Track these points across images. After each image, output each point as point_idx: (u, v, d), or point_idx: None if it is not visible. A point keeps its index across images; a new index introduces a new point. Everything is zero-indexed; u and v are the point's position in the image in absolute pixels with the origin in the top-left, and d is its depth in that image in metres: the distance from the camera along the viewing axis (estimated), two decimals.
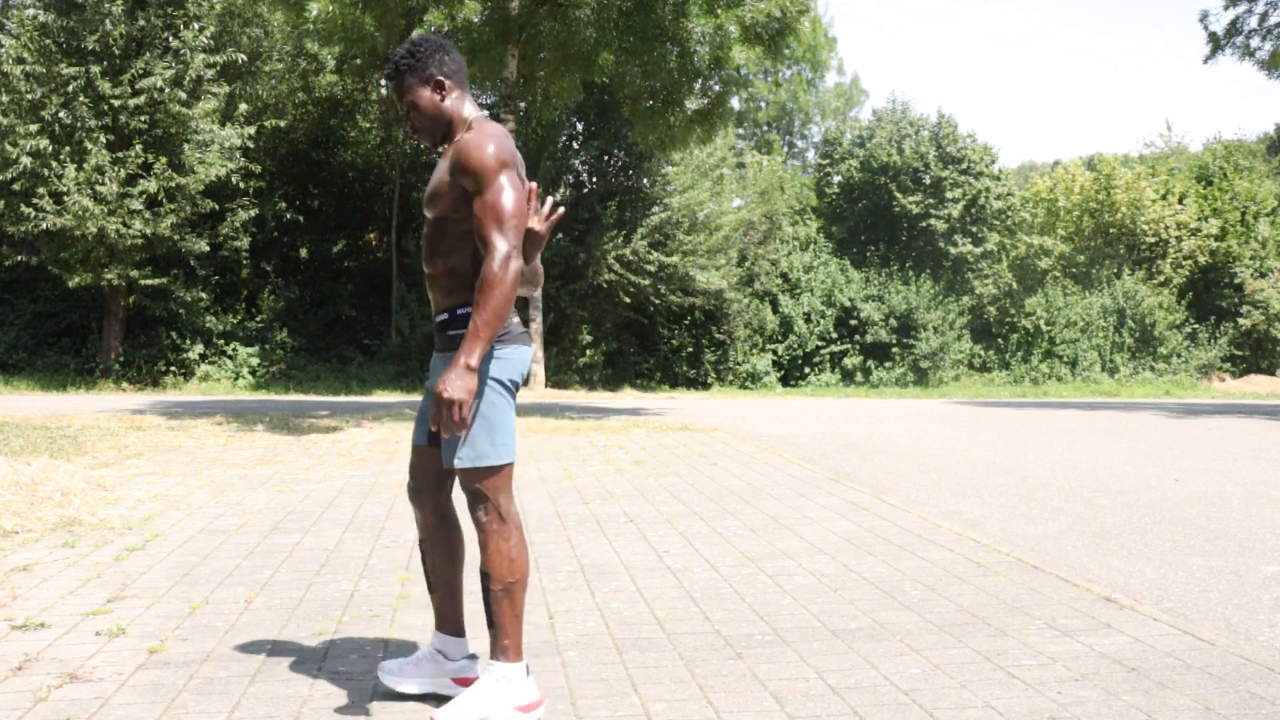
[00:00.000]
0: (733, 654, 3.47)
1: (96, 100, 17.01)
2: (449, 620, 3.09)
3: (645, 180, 22.94)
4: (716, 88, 15.28)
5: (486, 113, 21.97)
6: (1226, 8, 20.67)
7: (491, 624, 2.88)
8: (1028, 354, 27.25)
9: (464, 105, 3.01)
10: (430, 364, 3.08)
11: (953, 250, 29.06)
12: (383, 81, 2.68)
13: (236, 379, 19.41)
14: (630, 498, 6.59)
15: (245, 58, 19.06)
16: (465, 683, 3.04)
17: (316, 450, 8.78)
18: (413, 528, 5.36)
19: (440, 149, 3.11)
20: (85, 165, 16.78)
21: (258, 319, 20.50)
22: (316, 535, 5.34)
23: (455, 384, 2.69)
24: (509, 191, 2.80)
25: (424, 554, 3.13)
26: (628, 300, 22.14)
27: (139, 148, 17.11)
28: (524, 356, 2.93)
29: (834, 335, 25.58)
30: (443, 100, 2.98)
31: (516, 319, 2.97)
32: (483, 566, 2.88)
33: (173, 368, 19.19)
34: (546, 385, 20.45)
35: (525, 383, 3.34)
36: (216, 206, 18.40)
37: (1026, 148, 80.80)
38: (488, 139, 2.84)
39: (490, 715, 2.80)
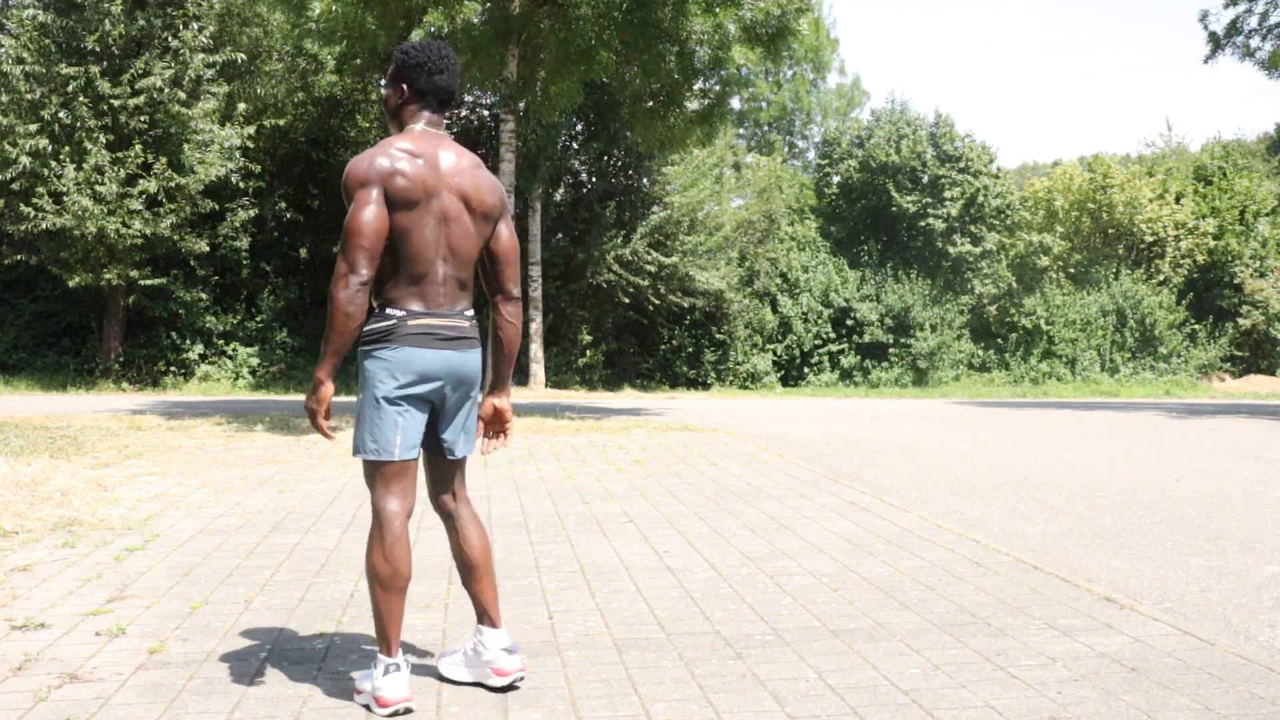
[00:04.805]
0: (733, 654, 3.47)
1: (96, 100, 17.00)
2: (481, 613, 3.18)
3: (645, 180, 22.94)
4: (716, 88, 15.26)
5: (487, 113, 22.06)
6: (1226, 7, 20.65)
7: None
8: (1027, 354, 27.24)
9: (416, 119, 3.06)
10: None
11: (951, 250, 29.03)
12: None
13: (236, 379, 19.41)
14: (630, 498, 6.59)
15: (245, 57, 19.06)
16: (502, 673, 3.08)
17: (316, 450, 8.78)
18: (412, 528, 5.36)
19: None
20: (85, 165, 16.77)
21: (258, 319, 20.50)
22: (316, 535, 5.35)
23: (309, 395, 2.90)
24: (358, 209, 2.87)
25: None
26: (627, 300, 22.14)
27: (139, 148, 17.11)
28: (403, 357, 2.93)
29: (831, 335, 25.59)
30: (398, 105, 3.09)
31: (405, 316, 2.95)
32: None
33: (173, 368, 19.19)
34: (546, 385, 20.44)
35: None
36: (216, 206, 18.40)
37: (1027, 148, 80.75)
38: (363, 155, 2.94)
39: (365, 694, 2.99)
